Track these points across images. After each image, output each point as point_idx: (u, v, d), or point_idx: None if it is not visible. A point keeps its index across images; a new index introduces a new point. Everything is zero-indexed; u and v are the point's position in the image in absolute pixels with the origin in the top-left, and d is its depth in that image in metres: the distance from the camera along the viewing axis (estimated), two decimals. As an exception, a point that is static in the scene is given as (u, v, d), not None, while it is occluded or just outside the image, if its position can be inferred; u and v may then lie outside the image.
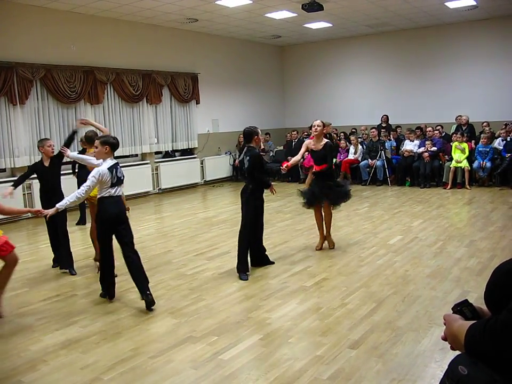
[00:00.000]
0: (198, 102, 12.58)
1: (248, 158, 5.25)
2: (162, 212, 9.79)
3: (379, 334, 3.60)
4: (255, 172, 5.24)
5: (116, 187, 4.41)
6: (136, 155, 11.39)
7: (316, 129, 5.86)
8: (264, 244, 5.55)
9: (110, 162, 4.43)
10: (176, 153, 12.48)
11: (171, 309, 4.30)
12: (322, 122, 5.96)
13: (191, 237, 7.05)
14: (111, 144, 4.44)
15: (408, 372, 3.04)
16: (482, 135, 10.53)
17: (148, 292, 4.26)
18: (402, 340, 3.48)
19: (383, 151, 11.25)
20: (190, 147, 12.55)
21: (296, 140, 13.04)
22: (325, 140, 5.98)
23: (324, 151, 5.88)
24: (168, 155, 12.20)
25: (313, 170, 6.20)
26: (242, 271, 5.14)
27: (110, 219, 4.35)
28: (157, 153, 11.87)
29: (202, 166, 12.78)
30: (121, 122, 10.79)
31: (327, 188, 5.89)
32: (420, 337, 3.51)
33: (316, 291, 4.60)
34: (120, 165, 4.57)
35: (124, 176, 4.54)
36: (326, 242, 6.17)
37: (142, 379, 3.12)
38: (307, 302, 4.34)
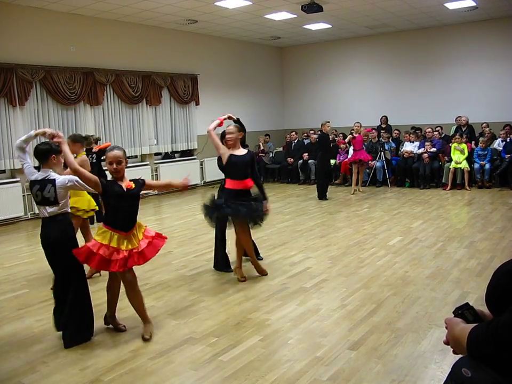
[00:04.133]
0: (197, 103, 12.58)
1: None
2: (162, 213, 9.78)
3: (379, 335, 3.60)
4: None
5: (42, 206, 3.67)
6: (136, 156, 11.39)
7: (230, 138, 4.89)
8: (264, 245, 5.55)
9: (40, 173, 3.71)
10: (176, 155, 12.49)
11: (171, 310, 4.30)
12: (236, 128, 4.94)
13: (191, 238, 7.05)
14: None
15: (408, 373, 3.04)
16: (480, 139, 10.54)
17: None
18: (402, 341, 3.48)
19: (382, 152, 11.26)
20: (189, 148, 12.54)
21: (296, 141, 13.06)
22: (245, 149, 5.01)
23: (248, 157, 4.91)
24: (168, 156, 12.20)
25: (231, 188, 4.90)
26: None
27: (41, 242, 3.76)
28: (156, 154, 11.86)
29: (202, 167, 12.77)
30: (120, 123, 10.79)
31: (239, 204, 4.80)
32: (419, 338, 3.51)
33: (316, 292, 4.60)
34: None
35: (54, 197, 3.62)
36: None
37: (142, 380, 3.12)
38: (307, 303, 4.33)
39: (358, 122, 10.50)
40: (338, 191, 10.56)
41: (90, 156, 8.25)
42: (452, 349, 1.59)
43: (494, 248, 5.80)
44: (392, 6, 10.44)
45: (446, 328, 1.61)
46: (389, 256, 5.67)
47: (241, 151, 4.94)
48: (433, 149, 10.76)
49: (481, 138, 10.56)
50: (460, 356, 1.58)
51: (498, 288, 1.49)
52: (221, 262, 5.42)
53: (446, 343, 1.61)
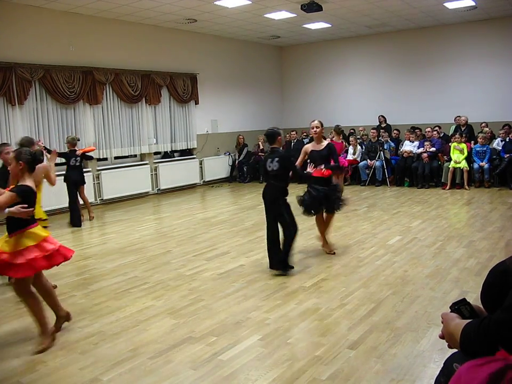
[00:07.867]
0: (197, 103, 12.57)
1: (277, 159, 5.08)
2: (161, 212, 9.77)
3: (378, 334, 3.60)
4: (287, 171, 5.19)
5: None
6: (135, 155, 11.38)
7: (316, 130, 5.71)
8: (262, 244, 5.55)
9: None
10: (175, 154, 12.48)
11: (170, 310, 4.30)
12: (320, 122, 5.78)
13: (190, 238, 7.05)
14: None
15: (407, 372, 3.05)
16: (480, 135, 10.54)
17: None
18: (401, 340, 3.48)
19: (382, 152, 11.27)
20: (189, 147, 12.54)
21: (295, 140, 13.06)
22: (327, 141, 6.02)
23: (326, 151, 5.70)
24: (167, 155, 12.19)
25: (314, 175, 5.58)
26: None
27: None
28: (156, 153, 11.85)
29: (201, 167, 12.77)
30: (120, 122, 10.78)
31: (325, 194, 5.65)
32: (418, 337, 3.52)
33: (315, 291, 4.60)
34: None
35: None
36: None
37: (141, 380, 3.12)
38: (306, 302, 4.33)
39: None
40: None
41: (74, 158, 8.18)
42: (447, 343, 1.61)
43: (493, 247, 5.81)
44: (391, 6, 10.44)
45: (442, 322, 1.62)
46: (388, 256, 5.67)
47: (321, 146, 5.76)
48: (433, 149, 10.76)
49: (480, 134, 10.56)
50: (454, 350, 1.59)
51: (493, 287, 1.50)
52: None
53: (441, 337, 1.63)
